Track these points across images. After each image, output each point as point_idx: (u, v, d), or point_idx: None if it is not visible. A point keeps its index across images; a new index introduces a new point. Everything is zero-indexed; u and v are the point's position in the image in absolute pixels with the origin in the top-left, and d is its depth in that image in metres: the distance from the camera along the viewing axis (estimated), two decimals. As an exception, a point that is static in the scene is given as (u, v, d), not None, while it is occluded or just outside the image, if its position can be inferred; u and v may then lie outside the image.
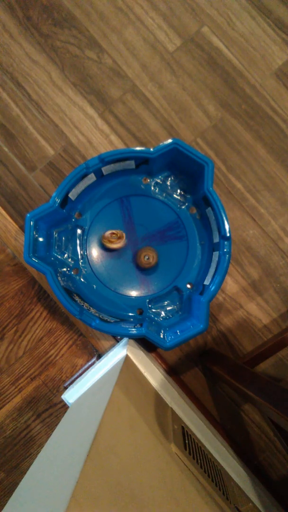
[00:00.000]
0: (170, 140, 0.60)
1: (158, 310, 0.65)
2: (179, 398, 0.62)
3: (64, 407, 0.72)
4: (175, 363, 0.72)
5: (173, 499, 0.35)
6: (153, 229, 0.67)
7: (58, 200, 0.59)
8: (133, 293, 0.66)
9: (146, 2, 0.75)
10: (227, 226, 0.59)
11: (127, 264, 0.67)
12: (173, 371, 0.71)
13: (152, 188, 0.68)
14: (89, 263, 0.67)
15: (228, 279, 0.72)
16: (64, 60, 0.76)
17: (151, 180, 0.68)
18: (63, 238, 0.66)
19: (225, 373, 0.57)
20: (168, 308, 0.65)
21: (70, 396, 0.65)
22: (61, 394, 0.68)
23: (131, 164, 0.64)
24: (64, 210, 0.63)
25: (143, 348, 0.69)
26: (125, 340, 0.67)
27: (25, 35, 0.76)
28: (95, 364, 0.66)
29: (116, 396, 0.44)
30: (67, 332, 0.73)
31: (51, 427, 0.72)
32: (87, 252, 0.67)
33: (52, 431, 0.52)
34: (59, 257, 0.65)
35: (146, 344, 0.71)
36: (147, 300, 0.65)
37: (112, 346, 0.70)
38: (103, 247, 0.67)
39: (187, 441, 0.50)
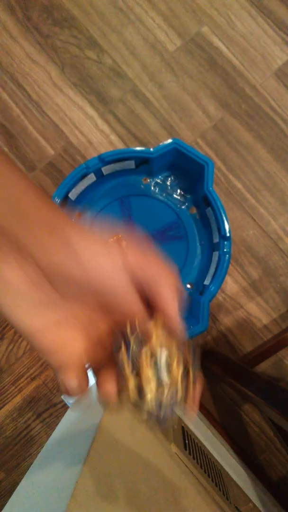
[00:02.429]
0: (170, 140, 0.60)
1: (158, 310, 0.65)
2: (179, 398, 0.62)
3: (64, 407, 0.72)
4: (175, 363, 0.72)
5: (173, 499, 0.35)
6: (153, 229, 0.67)
7: (58, 200, 0.59)
8: (133, 293, 0.66)
9: (146, 2, 0.75)
10: (227, 226, 0.59)
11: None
12: (173, 371, 0.71)
13: (152, 188, 0.68)
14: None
15: (228, 279, 0.72)
16: (64, 60, 0.76)
17: (151, 180, 0.68)
18: (63, 238, 0.66)
19: (225, 373, 0.57)
20: (168, 308, 0.65)
21: (70, 396, 0.65)
22: (61, 394, 0.68)
23: (131, 164, 0.64)
24: (64, 210, 0.63)
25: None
26: (125, 340, 0.67)
27: (25, 35, 0.76)
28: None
29: (116, 396, 0.44)
30: (67, 332, 0.73)
31: (51, 427, 0.72)
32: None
33: (52, 431, 0.52)
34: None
35: (146, 344, 0.71)
36: (147, 300, 0.65)
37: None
38: None
39: (187, 441, 0.50)
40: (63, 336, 0.18)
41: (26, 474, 0.38)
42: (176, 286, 0.18)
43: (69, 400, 0.65)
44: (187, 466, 0.44)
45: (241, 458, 0.67)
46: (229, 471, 0.58)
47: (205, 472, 0.47)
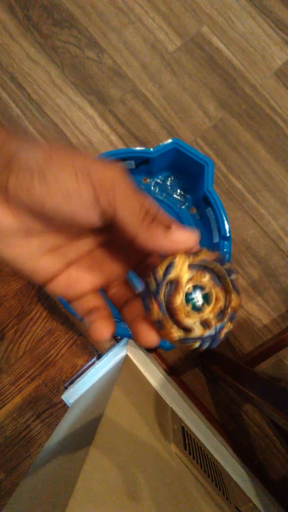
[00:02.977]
0: (170, 140, 0.60)
1: (158, 310, 0.65)
2: (179, 398, 0.62)
3: (64, 407, 0.72)
4: (175, 363, 0.72)
5: (173, 499, 0.35)
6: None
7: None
8: (133, 293, 0.66)
9: (146, 2, 0.75)
10: (227, 226, 0.59)
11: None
12: (173, 371, 0.71)
13: (152, 188, 0.68)
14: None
15: (228, 279, 0.72)
16: (64, 60, 0.76)
17: (151, 180, 0.68)
18: (63, 238, 0.66)
19: (225, 373, 0.57)
20: (168, 308, 0.65)
21: (70, 396, 0.65)
22: (61, 394, 0.68)
23: (131, 164, 0.64)
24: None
25: (143, 348, 0.69)
26: (125, 340, 0.67)
27: (25, 35, 0.76)
28: (95, 364, 0.66)
29: (116, 396, 0.44)
30: (67, 332, 0.73)
31: (51, 427, 0.72)
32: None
33: (52, 431, 0.52)
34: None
35: (146, 344, 0.71)
36: (147, 300, 0.65)
37: (112, 346, 0.70)
38: None
39: (187, 441, 0.50)
40: (74, 276, 0.19)
41: (26, 474, 0.39)
42: (143, 213, 0.16)
43: (69, 400, 0.65)
44: (187, 466, 0.44)
45: (241, 458, 0.67)
46: (229, 471, 0.58)
47: (205, 472, 0.47)
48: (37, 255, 0.18)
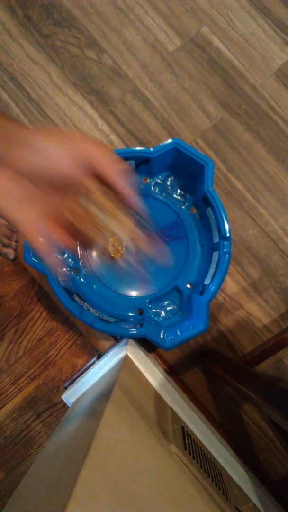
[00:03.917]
0: (170, 140, 0.60)
1: (158, 310, 0.65)
2: (179, 398, 0.62)
3: (64, 407, 0.72)
4: (175, 363, 0.72)
5: (173, 499, 0.35)
6: (153, 229, 0.67)
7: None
8: (133, 293, 0.66)
9: (146, 2, 0.75)
10: (227, 226, 0.59)
11: (127, 264, 0.67)
12: (173, 371, 0.71)
13: (152, 188, 0.68)
14: (89, 263, 0.67)
15: (228, 279, 0.72)
16: (64, 60, 0.76)
17: (151, 180, 0.68)
18: (63, 238, 0.66)
19: (225, 373, 0.57)
20: (168, 308, 0.65)
21: (70, 396, 0.65)
22: (61, 394, 0.68)
23: (131, 164, 0.64)
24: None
25: (143, 348, 0.69)
26: (125, 340, 0.67)
27: (25, 35, 0.76)
28: (95, 364, 0.66)
29: (116, 396, 0.44)
30: (67, 332, 0.73)
31: (51, 427, 0.72)
32: (87, 252, 0.67)
33: (52, 431, 0.52)
34: (59, 257, 0.65)
35: (146, 344, 0.71)
36: (147, 300, 0.65)
37: (112, 346, 0.70)
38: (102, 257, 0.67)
39: (187, 441, 0.50)
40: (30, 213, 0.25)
41: (26, 474, 0.39)
42: (111, 158, 0.24)
43: (69, 400, 0.65)
44: (187, 466, 0.44)
45: (241, 458, 0.67)
46: (229, 471, 0.58)
47: (205, 472, 0.47)
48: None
